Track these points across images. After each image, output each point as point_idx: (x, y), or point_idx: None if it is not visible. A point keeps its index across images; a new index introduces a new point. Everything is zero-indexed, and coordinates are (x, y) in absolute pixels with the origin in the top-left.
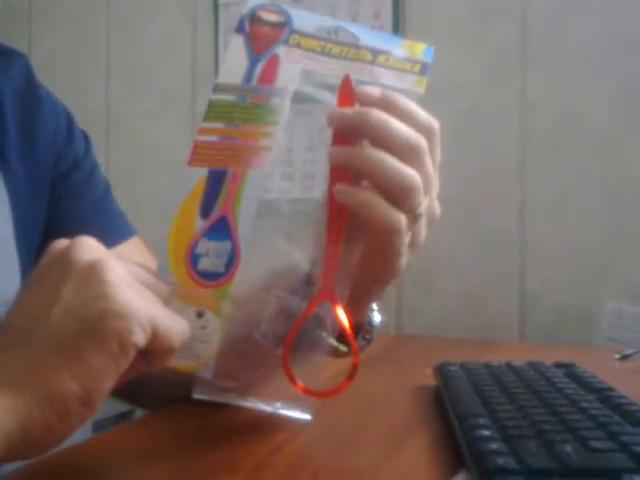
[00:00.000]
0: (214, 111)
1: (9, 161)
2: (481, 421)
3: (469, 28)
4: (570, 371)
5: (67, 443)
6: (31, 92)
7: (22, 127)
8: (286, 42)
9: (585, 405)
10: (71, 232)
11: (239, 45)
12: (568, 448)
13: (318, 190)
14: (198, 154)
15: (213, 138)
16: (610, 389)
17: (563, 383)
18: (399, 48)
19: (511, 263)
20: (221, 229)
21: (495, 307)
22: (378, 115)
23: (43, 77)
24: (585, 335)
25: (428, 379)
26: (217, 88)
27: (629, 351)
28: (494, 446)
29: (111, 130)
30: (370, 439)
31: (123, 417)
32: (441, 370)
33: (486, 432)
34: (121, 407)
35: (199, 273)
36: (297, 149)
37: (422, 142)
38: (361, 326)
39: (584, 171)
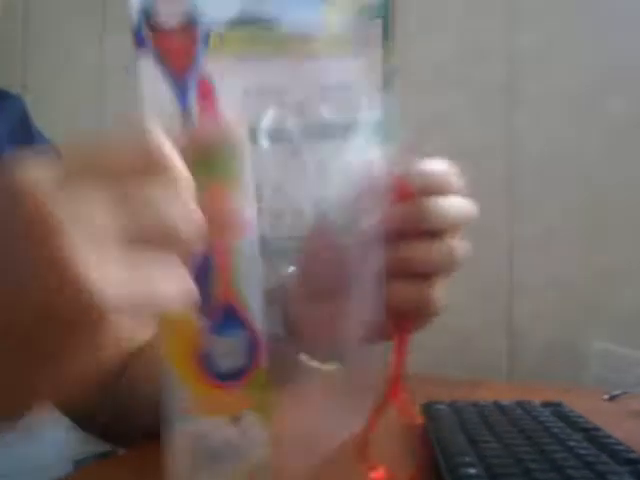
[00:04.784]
0: None
1: None
2: (467, 459)
3: (456, 68)
4: (557, 410)
5: (46, 479)
6: (26, 132)
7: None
8: (207, 47)
9: (572, 444)
10: None
11: (150, 69)
12: None
13: (286, 228)
14: None
15: None
16: (597, 429)
17: (550, 422)
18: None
19: (499, 302)
20: (230, 320)
21: (483, 346)
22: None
23: (36, 109)
24: (573, 374)
25: (415, 417)
26: None
27: (617, 392)
28: None
29: None
30: (355, 477)
31: (105, 456)
32: (428, 409)
33: (472, 470)
34: (103, 447)
35: (219, 376)
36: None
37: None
38: None
39: (571, 210)
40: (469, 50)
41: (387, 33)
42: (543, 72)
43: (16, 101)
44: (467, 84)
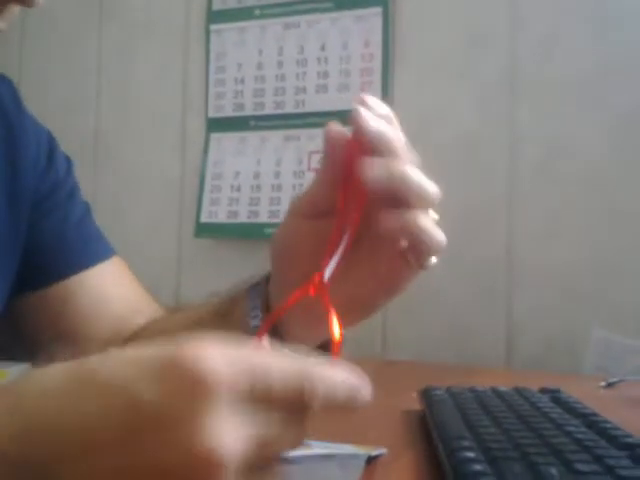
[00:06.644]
0: None
1: None
2: (465, 443)
3: (458, 58)
4: (555, 397)
5: None
6: (18, 115)
7: (6, 152)
8: None
9: (570, 429)
10: (50, 251)
11: None
12: (553, 470)
13: None
14: None
15: None
16: (595, 414)
17: (548, 408)
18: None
19: (498, 291)
20: None
21: (482, 335)
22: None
23: (33, 97)
24: (572, 363)
25: (413, 403)
26: None
27: (614, 379)
28: (478, 467)
29: (100, 151)
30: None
31: None
32: (426, 394)
33: (470, 454)
34: None
35: None
36: (285, 174)
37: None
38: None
39: (571, 201)
40: (471, 41)
41: (387, 23)
42: (545, 63)
43: (9, 83)
44: (468, 75)
